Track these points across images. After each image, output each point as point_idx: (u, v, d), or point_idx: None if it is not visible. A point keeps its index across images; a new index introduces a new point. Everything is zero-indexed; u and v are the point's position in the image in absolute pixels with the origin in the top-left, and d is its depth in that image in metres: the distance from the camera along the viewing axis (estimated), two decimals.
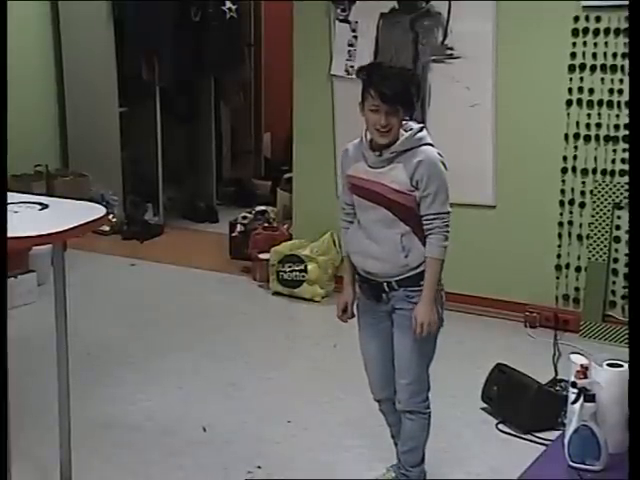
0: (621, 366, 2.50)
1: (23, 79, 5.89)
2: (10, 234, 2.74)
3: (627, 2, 3.85)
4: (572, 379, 2.51)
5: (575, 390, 2.46)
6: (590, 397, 2.44)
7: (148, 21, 5.90)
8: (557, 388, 3.49)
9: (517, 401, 3.39)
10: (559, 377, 3.67)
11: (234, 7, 6.15)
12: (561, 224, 4.40)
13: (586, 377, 2.49)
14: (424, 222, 2.67)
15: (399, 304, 2.76)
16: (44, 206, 3.10)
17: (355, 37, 4.73)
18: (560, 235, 4.41)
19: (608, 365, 2.53)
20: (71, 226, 2.91)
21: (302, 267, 4.88)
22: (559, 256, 4.43)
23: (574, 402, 2.47)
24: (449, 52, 4.51)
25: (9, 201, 3.06)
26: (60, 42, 6.22)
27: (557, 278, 4.46)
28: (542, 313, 4.45)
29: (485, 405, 3.55)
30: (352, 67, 4.74)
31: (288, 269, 4.92)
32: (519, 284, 4.54)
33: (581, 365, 2.50)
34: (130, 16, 5.94)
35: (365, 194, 2.71)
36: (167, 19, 5.94)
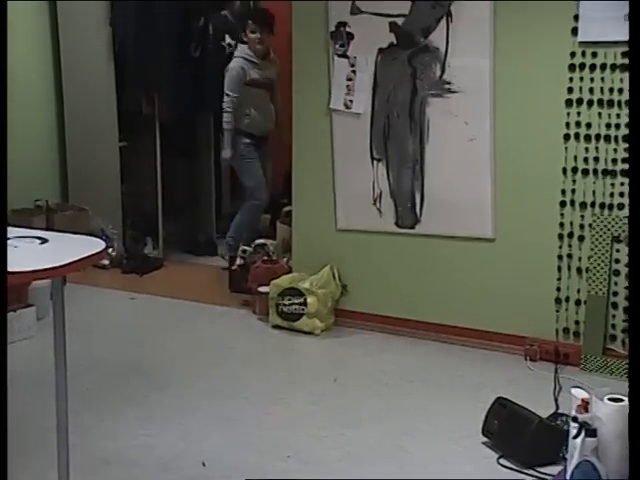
0: (622, 400, 2.49)
1: (24, 114, 5.93)
2: (10, 269, 2.74)
3: (622, 39, 3.95)
4: (573, 413, 2.50)
5: (576, 425, 2.45)
6: (591, 432, 2.44)
7: (148, 56, 5.95)
8: (558, 422, 3.47)
9: (518, 435, 3.37)
10: (560, 411, 3.65)
11: (233, 42, 6.20)
12: (560, 257, 4.41)
13: (587, 411, 2.49)
14: None
15: None
16: (44, 240, 3.10)
17: (354, 72, 4.77)
18: (559, 268, 4.42)
19: (609, 399, 2.52)
20: (70, 260, 2.91)
21: (302, 300, 4.88)
22: (559, 289, 4.44)
23: (575, 437, 2.46)
24: (447, 87, 4.54)
25: (9, 236, 3.07)
26: (61, 76, 6.27)
27: (557, 311, 4.46)
28: (542, 346, 4.44)
29: (486, 439, 3.53)
30: (351, 101, 4.78)
31: (288, 302, 4.92)
32: (519, 317, 4.54)
33: (582, 399, 2.49)
34: (130, 51, 5.99)
35: None
36: (167, 54, 5.99)
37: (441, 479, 3.26)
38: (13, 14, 5.63)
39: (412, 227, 4.78)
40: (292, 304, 4.91)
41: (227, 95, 5.65)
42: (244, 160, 5.82)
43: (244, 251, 5.66)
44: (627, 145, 4.13)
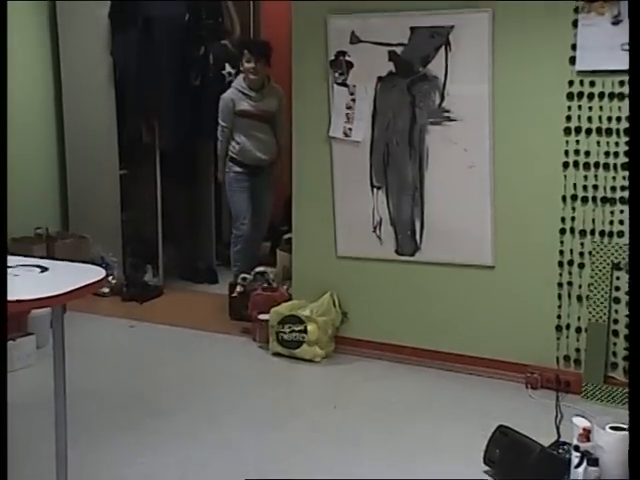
0: (624, 429, 2.49)
1: (25, 141, 5.96)
2: (10, 297, 2.75)
3: (620, 68, 3.98)
4: (575, 442, 2.50)
5: (578, 454, 2.45)
6: (593, 461, 2.43)
7: (149, 85, 5.98)
8: (560, 451, 3.44)
9: (520, 464, 3.34)
10: (562, 440, 3.62)
11: (234, 71, 6.25)
12: (560, 285, 4.41)
13: (589, 440, 2.48)
14: None
15: None
16: (44, 269, 3.11)
17: (353, 100, 4.79)
18: (560, 296, 4.41)
19: (611, 428, 2.51)
20: (70, 289, 2.92)
21: (302, 328, 4.87)
22: (559, 317, 4.43)
23: (577, 466, 2.46)
24: (446, 115, 4.57)
25: (9, 264, 3.07)
26: (62, 105, 6.30)
27: (558, 339, 4.45)
28: (543, 374, 4.43)
29: (487, 468, 3.51)
30: (350, 129, 4.81)
31: (288, 330, 4.91)
32: (519, 344, 4.53)
33: (584, 428, 2.49)
34: (131, 80, 6.03)
35: None
36: (167, 83, 6.02)
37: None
38: (15, 40, 5.71)
39: (412, 254, 4.79)
40: (292, 332, 4.90)
41: (219, 124, 5.76)
42: (230, 189, 5.93)
43: (244, 279, 5.67)
44: (626, 173, 4.14)
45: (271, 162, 5.92)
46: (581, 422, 2.50)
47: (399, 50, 4.61)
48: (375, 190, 4.82)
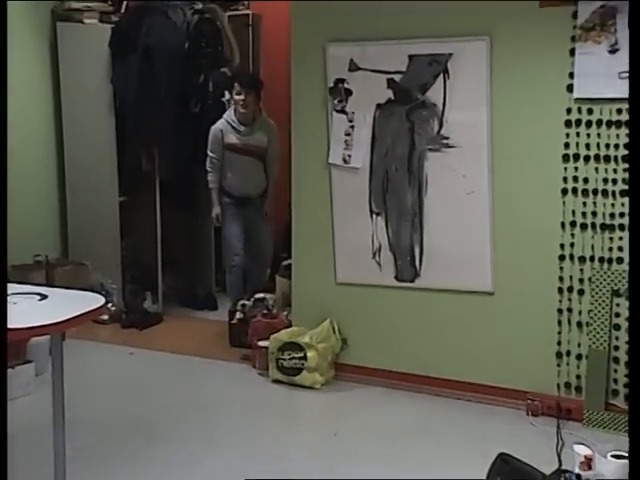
0: (626, 457, 2.47)
1: (25, 169, 5.97)
2: (9, 325, 2.75)
3: (617, 96, 4.01)
4: (577, 470, 2.49)
5: None
6: None
7: (148, 113, 6.01)
8: (562, 479, 3.43)
9: None
10: (563, 467, 3.60)
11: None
12: (560, 311, 4.40)
13: (590, 468, 2.47)
14: None
15: None
16: (43, 297, 3.12)
17: (352, 127, 4.82)
18: (560, 322, 4.41)
19: (612, 456, 2.50)
20: (69, 317, 2.92)
21: (302, 354, 4.86)
22: (559, 343, 4.42)
23: None
24: (445, 141, 4.58)
25: (9, 292, 3.08)
26: (62, 132, 6.32)
27: (558, 366, 4.44)
28: (544, 401, 4.41)
29: None
30: (349, 156, 4.82)
31: (287, 357, 4.90)
32: (520, 371, 4.52)
33: (585, 456, 2.48)
34: (131, 107, 6.05)
35: None
36: (167, 110, 6.04)
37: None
38: (16, 68, 5.74)
39: (412, 281, 4.79)
40: (292, 358, 4.89)
41: (208, 155, 5.82)
42: (222, 219, 6.01)
43: (243, 305, 5.66)
44: (625, 200, 4.15)
45: (260, 194, 5.94)
46: (583, 450, 2.49)
47: (397, 78, 4.64)
48: (374, 216, 4.83)
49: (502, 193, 4.47)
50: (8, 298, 3.00)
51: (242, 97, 5.67)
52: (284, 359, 4.91)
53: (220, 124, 5.79)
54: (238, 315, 5.65)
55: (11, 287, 3.24)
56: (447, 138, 4.57)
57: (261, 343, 5.12)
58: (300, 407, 4.81)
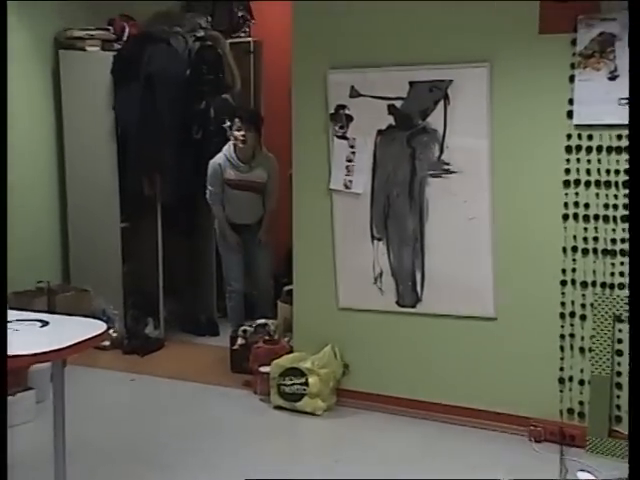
0: None
1: (26, 195, 5.98)
2: (10, 352, 2.75)
3: (617, 122, 4.03)
4: None
5: None
6: None
7: (150, 139, 6.03)
8: None
9: None
10: None
11: None
12: (563, 336, 4.39)
13: None
14: None
15: None
16: (44, 323, 3.12)
17: (353, 153, 4.83)
18: (562, 348, 4.40)
19: None
20: (71, 343, 2.92)
21: (303, 380, 4.84)
22: (562, 369, 4.41)
23: None
24: (446, 167, 4.60)
25: (10, 319, 3.08)
26: (64, 159, 6.34)
27: (561, 391, 4.42)
28: (547, 427, 4.39)
29: None
30: (350, 182, 4.84)
31: (289, 382, 4.88)
32: (522, 397, 4.50)
33: None
34: (132, 134, 6.08)
35: None
36: (169, 137, 6.07)
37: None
38: (18, 95, 5.78)
39: (413, 306, 4.78)
40: (293, 384, 4.87)
41: (208, 189, 5.87)
42: (219, 244, 6.08)
43: (245, 331, 5.65)
44: (626, 225, 4.16)
45: (257, 222, 5.98)
46: (586, 477, 2.47)
47: (398, 104, 4.66)
48: (376, 241, 4.84)
49: (503, 218, 4.48)
50: (10, 325, 3.01)
51: (242, 133, 5.68)
52: (285, 385, 4.89)
53: (219, 159, 5.81)
54: (239, 341, 5.64)
55: (13, 314, 3.24)
56: (448, 164, 4.58)
57: (262, 369, 5.11)
58: (301, 433, 4.79)
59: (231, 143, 5.80)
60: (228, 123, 5.99)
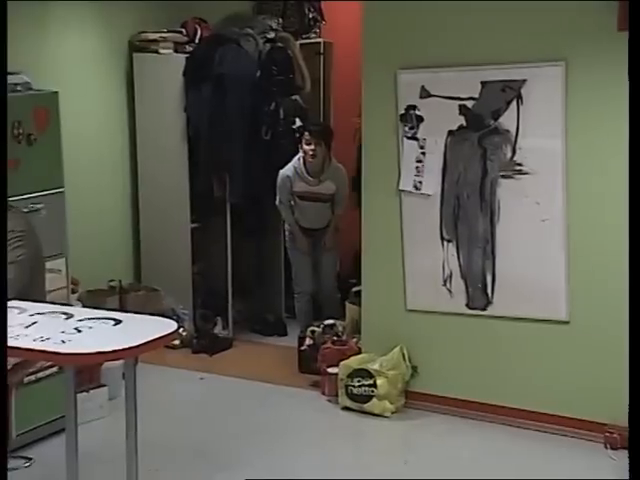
0: None
1: (99, 196, 6.08)
2: (85, 350, 2.80)
3: None
4: None
5: None
6: None
7: (220, 140, 6.08)
8: None
9: None
10: None
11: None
12: None
13: None
14: None
15: None
16: (117, 321, 3.16)
17: (423, 154, 4.79)
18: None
19: None
20: (143, 341, 2.95)
21: (371, 382, 4.82)
22: None
23: None
24: (518, 168, 4.53)
25: (86, 317, 3.13)
26: (137, 160, 6.43)
27: None
28: (623, 434, 4.27)
29: None
30: (420, 182, 4.80)
31: (357, 384, 4.87)
32: (597, 402, 4.40)
33: None
34: (203, 135, 6.14)
35: None
36: (239, 138, 6.11)
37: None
38: (92, 98, 5.89)
39: (483, 309, 4.72)
40: (362, 385, 4.85)
41: (277, 198, 5.89)
42: (288, 246, 6.12)
43: (313, 332, 5.65)
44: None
45: (325, 226, 5.98)
46: None
47: (470, 104, 4.61)
48: (445, 243, 4.79)
49: (577, 220, 4.39)
50: (84, 323, 3.06)
51: (312, 147, 5.64)
52: (353, 386, 4.88)
53: (288, 171, 5.79)
54: (307, 341, 5.64)
55: (87, 312, 3.30)
56: (520, 164, 4.51)
57: (330, 370, 5.10)
58: (369, 435, 4.77)
59: (301, 155, 5.79)
60: (298, 124, 5.99)
